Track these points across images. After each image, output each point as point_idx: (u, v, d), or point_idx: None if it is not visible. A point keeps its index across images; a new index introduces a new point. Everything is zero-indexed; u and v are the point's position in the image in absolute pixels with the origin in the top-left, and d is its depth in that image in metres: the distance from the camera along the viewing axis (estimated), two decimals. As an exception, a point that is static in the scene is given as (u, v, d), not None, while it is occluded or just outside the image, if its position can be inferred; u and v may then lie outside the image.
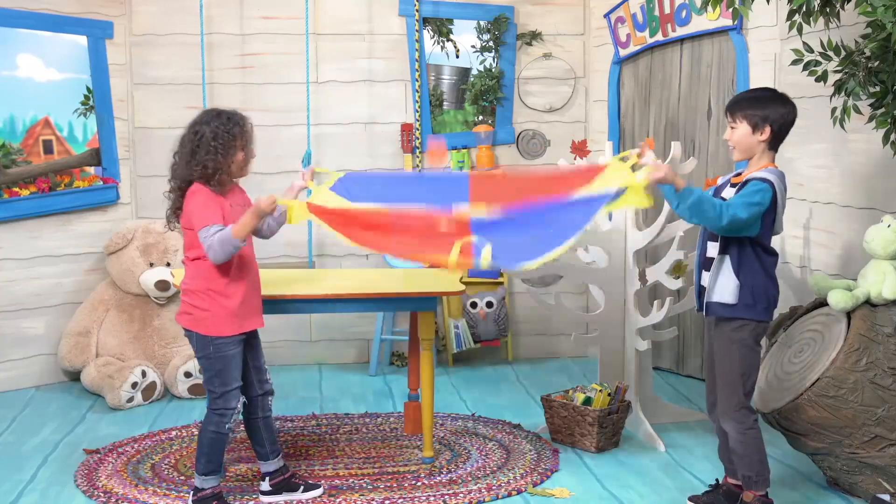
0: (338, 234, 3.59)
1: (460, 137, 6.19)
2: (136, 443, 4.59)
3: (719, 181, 3.73)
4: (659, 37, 5.64)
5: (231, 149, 3.59)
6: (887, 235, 3.80)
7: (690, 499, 3.81)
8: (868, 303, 3.78)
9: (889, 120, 3.63)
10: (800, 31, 3.67)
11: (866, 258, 3.89)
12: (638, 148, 3.55)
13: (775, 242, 3.56)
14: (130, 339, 5.57)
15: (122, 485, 4.05)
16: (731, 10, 4.15)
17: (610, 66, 6.09)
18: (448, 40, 6.19)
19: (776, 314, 3.74)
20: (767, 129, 3.45)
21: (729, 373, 3.51)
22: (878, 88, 3.64)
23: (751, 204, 3.34)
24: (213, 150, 3.55)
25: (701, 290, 3.61)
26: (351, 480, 4.08)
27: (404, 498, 3.88)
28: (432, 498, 3.88)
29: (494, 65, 6.22)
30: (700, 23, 5.33)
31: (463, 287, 4.23)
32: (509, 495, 3.93)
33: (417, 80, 6.06)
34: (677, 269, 4.60)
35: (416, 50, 6.06)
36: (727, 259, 3.48)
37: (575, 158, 4.80)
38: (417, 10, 6.05)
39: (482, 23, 6.18)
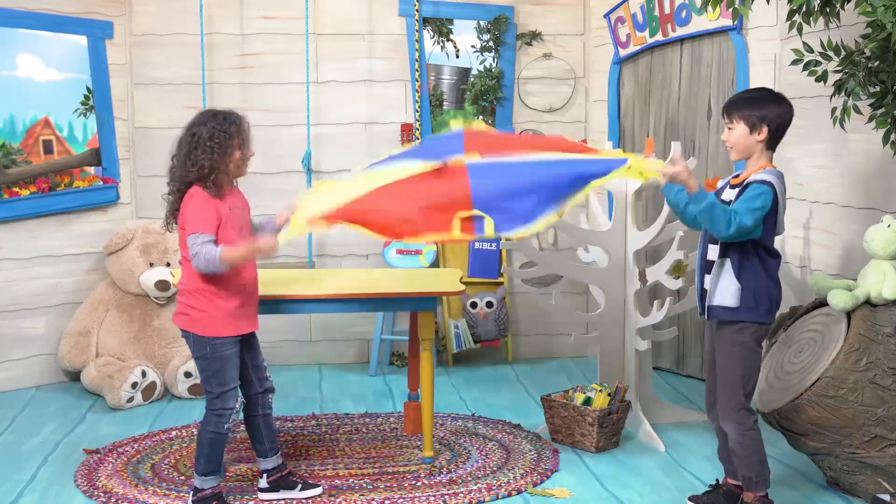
0: (348, 225, 3.57)
1: (460, 137, 6.18)
2: (136, 443, 4.59)
3: (718, 185, 3.73)
4: (659, 37, 5.64)
5: (228, 148, 3.59)
6: (887, 235, 3.80)
7: (690, 499, 3.81)
8: (868, 303, 3.78)
9: (889, 120, 3.63)
10: (800, 31, 3.67)
11: (866, 258, 3.89)
12: (641, 153, 3.55)
13: (776, 243, 3.56)
14: (130, 339, 5.57)
15: (122, 485, 4.05)
16: (731, 10, 4.15)
17: (610, 66, 6.09)
18: (448, 40, 6.19)
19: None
20: (765, 129, 3.45)
21: (730, 374, 3.51)
22: (878, 88, 3.64)
23: (754, 210, 3.35)
24: (210, 150, 3.55)
25: (703, 294, 3.60)
26: (351, 480, 4.08)
27: (404, 498, 3.88)
28: (432, 498, 3.88)
29: (494, 65, 6.22)
30: (700, 23, 5.33)
31: (463, 287, 4.23)
32: (509, 495, 3.94)
33: (417, 80, 6.06)
34: (677, 269, 4.60)
35: (416, 50, 6.07)
36: (728, 262, 3.47)
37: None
38: (417, 10, 6.05)
39: (482, 23, 6.18)
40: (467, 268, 6.16)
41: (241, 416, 3.98)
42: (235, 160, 3.62)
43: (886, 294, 3.72)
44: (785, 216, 3.53)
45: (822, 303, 3.96)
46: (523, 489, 3.99)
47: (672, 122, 5.71)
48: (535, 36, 6.21)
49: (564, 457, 4.38)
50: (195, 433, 4.01)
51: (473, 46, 6.21)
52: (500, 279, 6.16)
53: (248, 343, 3.79)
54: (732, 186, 3.53)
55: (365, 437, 4.66)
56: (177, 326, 3.73)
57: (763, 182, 3.40)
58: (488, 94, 6.19)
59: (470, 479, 4.10)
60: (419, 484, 4.03)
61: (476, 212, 3.51)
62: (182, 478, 4.12)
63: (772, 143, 3.49)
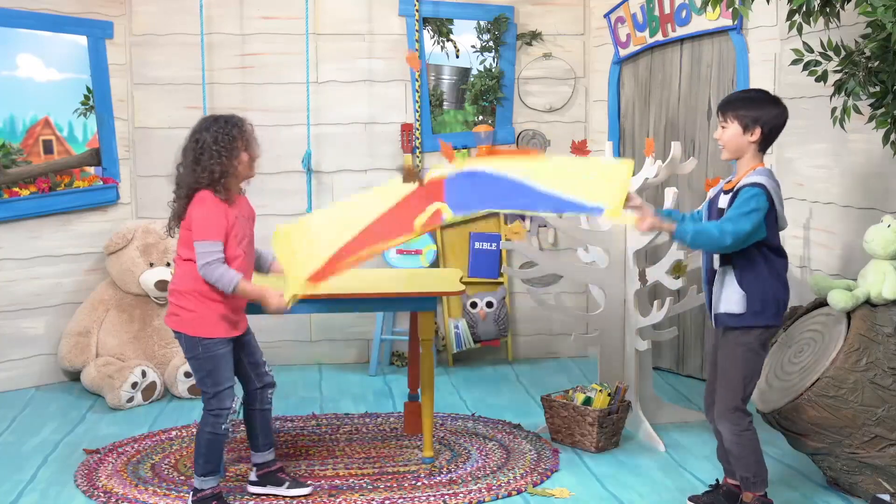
0: (344, 269, 3.61)
1: (460, 137, 6.19)
2: (136, 443, 4.59)
3: (711, 193, 3.72)
4: (659, 37, 5.64)
5: (234, 150, 3.61)
6: (887, 235, 3.80)
7: (690, 499, 3.81)
8: (868, 303, 3.78)
9: (889, 120, 3.63)
10: (800, 31, 3.67)
11: (866, 258, 3.89)
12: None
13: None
14: (130, 339, 5.57)
15: (122, 485, 4.05)
16: (731, 10, 4.15)
17: (610, 66, 6.08)
18: (448, 40, 6.19)
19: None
20: (758, 131, 3.44)
21: (731, 375, 3.50)
22: (878, 88, 3.64)
23: (748, 213, 3.34)
24: (217, 154, 3.58)
25: (710, 301, 3.60)
26: (351, 480, 4.08)
27: (404, 498, 3.88)
28: (432, 498, 3.88)
29: (494, 65, 6.22)
30: (700, 23, 5.33)
31: (463, 287, 4.23)
32: (509, 495, 3.93)
33: (417, 80, 6.06)
34: (677, 269, 4.60)
35: (416, 50, 6.06)
36: (730, 269, 3.46)
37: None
38: (417, 10, 6.05)
39: (482, 23, 6.18)
40: (467, 268, 6.16)
41: (240, 415, 3.99)
42: (243, 162, 3.65)
43: (886, 294, 3.72)
44: (785, 211, 3.53)
45: (822, 303, 3.96)
46: (523, 489, 3.99)
47: (672, 122, 5.71)
48: (535, 36, 6.21)
49: (564, 457, 4.38)
50: (195, 433, 4.01)
51: (473, 46, 6.21)
52: (500, 279, 6.16)
53: (241, 342, 3.79)
54: (726, 192, 3.52)
55: (365, 437, 4.66)
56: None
57: (753, 185, 3.39)
58: (488, 94, 6.19)
59: (470, 479, 4.10)
60: (419, 484, 4.03)
61: (440, 205, 3.56)
62: (182, 478, 4.12)
63: (764, 144, 3.48)
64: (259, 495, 3.91)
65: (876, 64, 3.62)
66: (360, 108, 6.12)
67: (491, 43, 6.20)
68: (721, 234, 3.33)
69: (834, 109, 3.81)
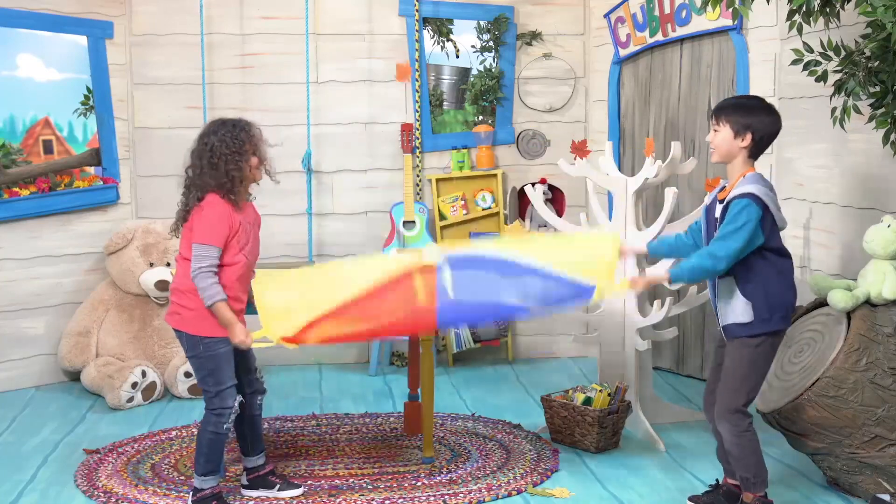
0: (320, 343, 3.67)
1: (460, 137, 6.19)
2: (136, 443, 4.59)
3: (707, 200, 3.72)
4: (659, 37, 5.64)
5: (244, 154, 3.65)
6: (887, 235, 3.80)
7: (690, 499, 3.81)
8: (868, 303, 3.78)
9: (889, 120, 3.63)
10: (800, 31, 3.67)
11: (866, 258, 3.89)
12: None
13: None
14: (130, 339, 5.57)
15: (122, 485, 4.05)
16: (731, 10, 4.15)
17: (610, 66, 6.08)
18: (448, 40, 6.19)
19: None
20: (749, 137, 3.44)
21: (735, 377, 3.49)
22: (878, 88, 3.64)
23: (738, 228, 3.35)
24: (233, 159, 3.61)
25: (718, 312, 3.60)
26: (351, 480, 4.08)
27: (404, 498, 3.88)
28: (432, 498, 3.88)
29: (494, 65, 6.22)
30: (700, 23, 5.33)
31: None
32: (509, 495, 3.93)
33: (417, 80, 6.06)
34: (677, 269, 4.59)
35: (416, 50, 6.07)
36: (732, 281, 3.46)
37: (575, 159, 4.80)
38: (417, 10, 6.05)
39: (482, 23, 6.18)
40: (467, 268, 6.15)
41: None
42: (253, 165, 3.67)
43: (886, 294, 3.72)
44: (784, 211, 3.53)
45: (822, 303, 3.96)
46: (523, 489, 3.99)
47: (672, 122, 5.71)
48: (535, 36, 6.21)
49: (564, 457, 4.38)
50: (195, 433, 4.02)
51: (473, 46, 6.21)
52: (500, 279, 6.15)
53: None
54: (720, 201, 3.52)
55: (365, 437, 4.66)
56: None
57: (742, 196, 3.38)
58: (488, 94, 6.19)
59: (470, 479, 4.10)
60: (419, 484, 4.03)
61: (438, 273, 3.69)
62: (182, 478, 4.12)
63: (755, 151, 3.48)
64: (256, 497, 3.91)
65: (876, 64, 3.62)
66: (360, 108, 6.12)
67: (491, 43, 6.20)
68: (714, 263, 3.38)
69: (834, 109, 3.81)
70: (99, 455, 4.41)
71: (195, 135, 3.74)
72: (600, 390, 4.50)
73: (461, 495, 3.90)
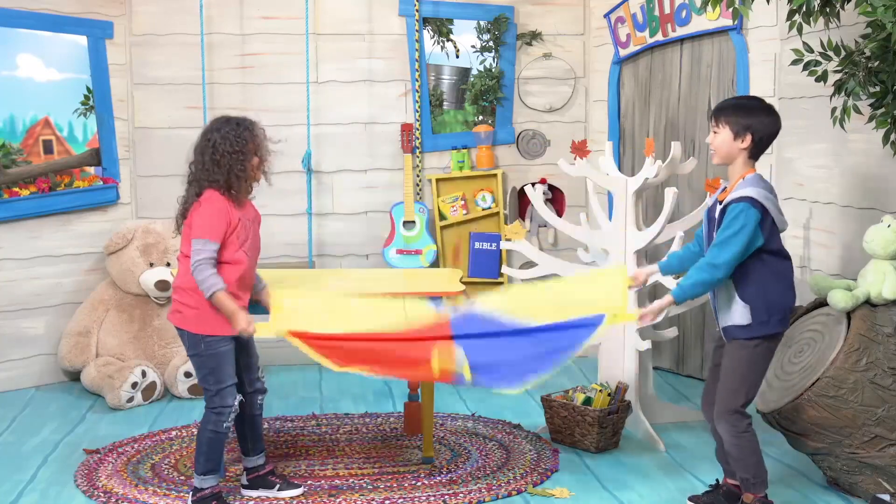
0: (321, 358, 3.63)
1: (460, 137, 6.19)
2: (136, 443, 4.59)
3: (709, 201, 3.72)
4: (659, 37, 5.64)
5: (246, 153, 3.65)
6: (887, 235, 3.80)
7: (690, 499, 3.81)
8: (868, 303, 3.78)
9: (889, 120, 3.63)
10: (800, 31, 3.67)
11: (866, 258, 3.89)
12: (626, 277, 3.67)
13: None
14: (130, 339, 5.57)
15: (122, 485, 4.05)
16: (731, 9, 4.15)
17: (610, 66, 6.09)
18: (448, 40, 6.20)
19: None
20: (748, 138, 3.44)
21: (734, 377, 3.48)
22: (878, 88, 3.64)
23: (735, 234, 3.35)
24: (235, 157, 3.62)
25: (717, 314, 3.60)
26: (351, 480, 4.08)
27: (404, 498, 3.88)
28: (432, 498, 3.88)
29: (494, 65, 6.22)
30: (700, 23, 5.33)
31: (463, 287, 4.23)
32: (509, 495, 3.93)
33: (417, 80, 6.06)
34: (677, 270, 4.59)
35: (416, 50, 6.07)
36: (730, 284, 3.46)
37: (575, 159, 4.79)
38: (417, 10, 6.05)
39: (482, 23, 6.18)
40: (467, 268, 6.16)
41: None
42: (254, 165, 3.68)
43: (886, 294, 3.72)
44: (784, 212, 3.53)
45: (822, 303, 3.96)
46: (523, 489, 3.99)
47: (672, 122, 5.71)
48: (535, 36, 6.21)
49: (564, 457, 4.38)
50: (195, 433, 4.02)
51: (473, 46, 6.21)
52: (500, 279, 6.15)
53: (242, 343, 3.79)
54: (720, 202, 3.51)
55: (365, 437, 4.66)
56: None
57: (739, 200, 3.38)
58: (488, 94, 6.19)
59: (470, 479, 4.10)
60: (419, 484, 4.03)
61: (455, 344, 3.65)
62: (182, 478, 4.12)
63: (755, 152, 3.48)
64: (256, 497, 3.91)
65: (876, 64, 3.62)
66: (360, 108, 6.13)
67: (491, 43, 6.20)
68: (713, 273, 3.38)
69: (834, 109, 3.81)
70: (99, 455, 4.41)
71: (195, 135, 3.75)
72: (600, 390, 4.50)
73: (461, 495, 3.90)
